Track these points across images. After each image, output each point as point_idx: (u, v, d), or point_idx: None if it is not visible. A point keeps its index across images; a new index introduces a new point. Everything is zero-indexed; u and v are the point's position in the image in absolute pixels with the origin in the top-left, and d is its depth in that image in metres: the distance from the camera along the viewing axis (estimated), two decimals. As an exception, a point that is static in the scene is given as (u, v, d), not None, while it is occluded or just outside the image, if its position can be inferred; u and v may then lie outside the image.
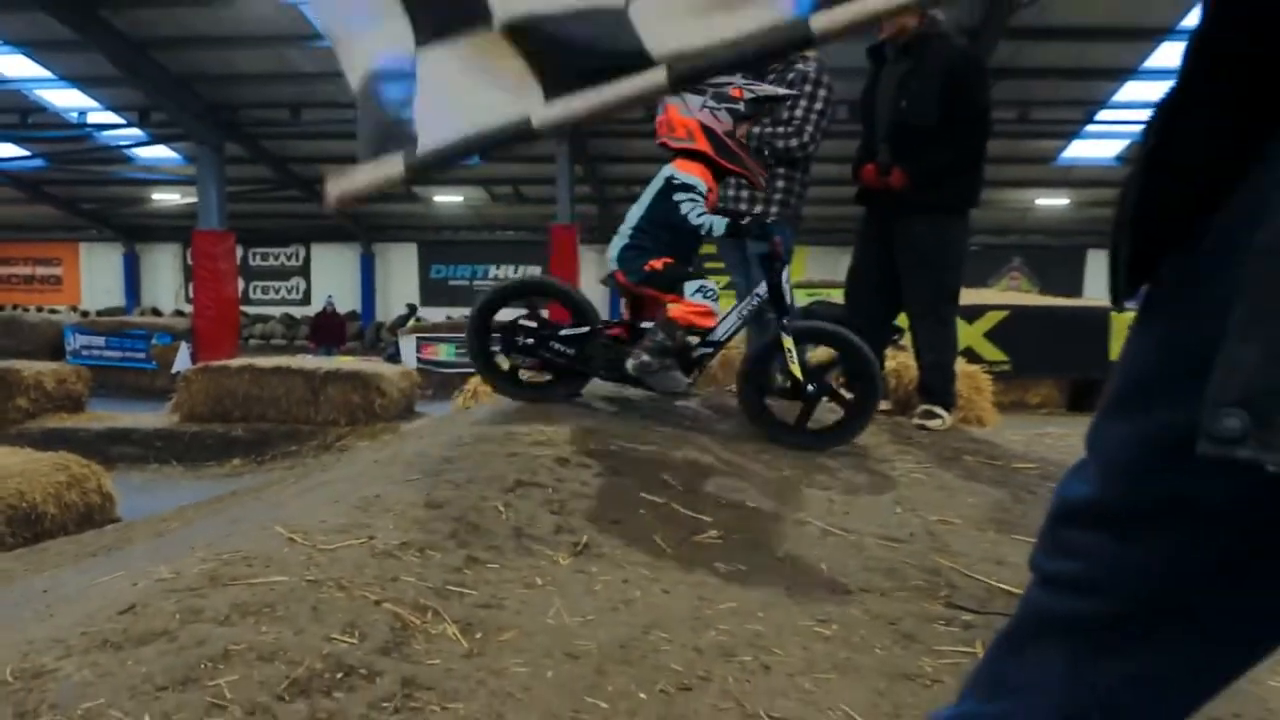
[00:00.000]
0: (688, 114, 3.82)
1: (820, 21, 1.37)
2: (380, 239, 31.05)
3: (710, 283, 3.77)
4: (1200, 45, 0.86)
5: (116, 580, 2.36)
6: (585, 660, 2.01)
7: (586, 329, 3.90)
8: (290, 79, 19.41)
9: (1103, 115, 20.00)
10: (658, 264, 3.79)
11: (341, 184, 1.59)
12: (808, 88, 4.56)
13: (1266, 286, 0.70)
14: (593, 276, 28.60)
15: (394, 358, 18.21)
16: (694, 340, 3.83)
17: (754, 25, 1.43)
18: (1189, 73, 0.87)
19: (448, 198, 28.63)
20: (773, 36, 1.42)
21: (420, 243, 31.21)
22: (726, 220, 3.78)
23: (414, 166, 1.56)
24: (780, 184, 4.67)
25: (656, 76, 1.46)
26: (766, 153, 4.55)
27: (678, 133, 3.85)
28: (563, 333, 3.90)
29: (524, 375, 4.08)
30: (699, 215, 3.76)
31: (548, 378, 4.05)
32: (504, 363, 4.04)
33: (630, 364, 3.73)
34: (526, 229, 28.67)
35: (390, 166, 1.56)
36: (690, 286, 3.72)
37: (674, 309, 3.71)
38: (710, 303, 3.72)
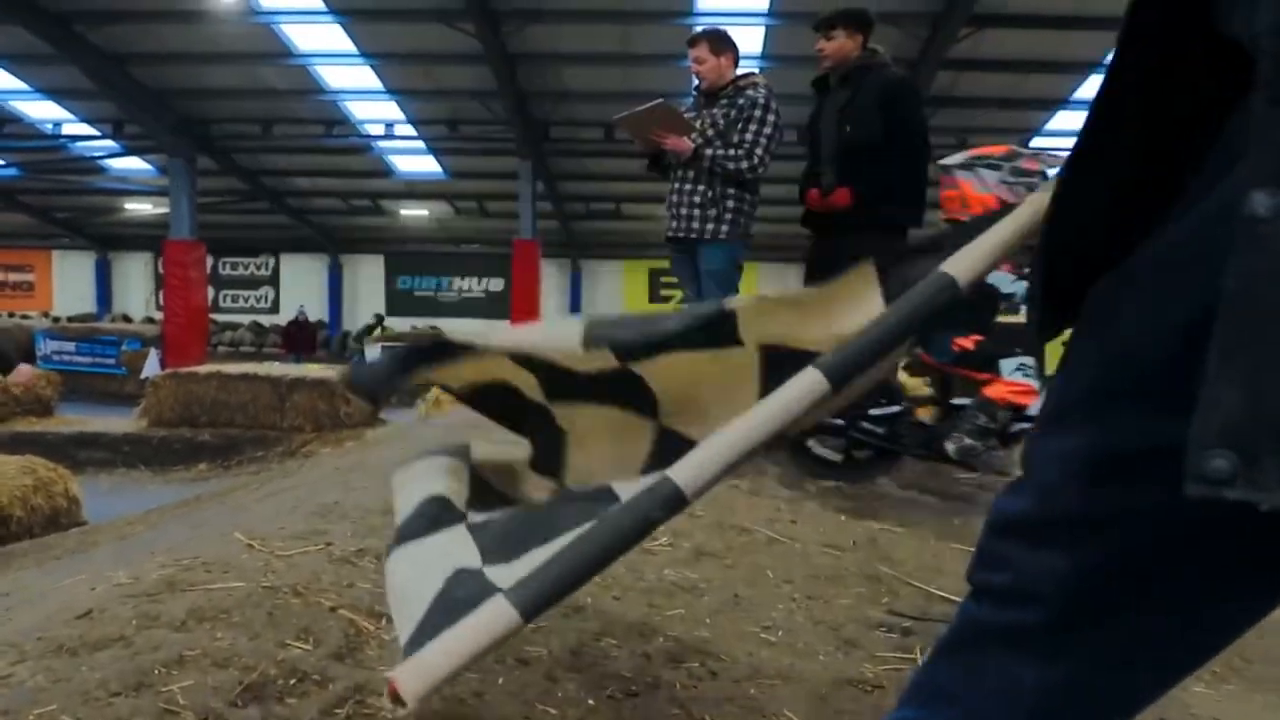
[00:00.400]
0: (984, 190, 3.67)
1: (957, 267, 1.28)
2: (348, 250, 30.98)
3: (1030, 360, 3.66)
4: (1103, 99, 0.89)
5: (76, 584, 2.34)
6: (536, 666, 2.01)
7: (897, 408, 3.81)
8: (261, 95, 19.52)
9: (1036, 143, 20.47)
10: (967, 343, 3.70)
11: (425, 676, 1.19)
12: (757, 113, 4.68)
13: (1236, 327, 0.70)
14: (554, 288, 28.78)
15: (360, 365, 18.11)
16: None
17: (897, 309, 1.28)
18: (1094, 122, 0.90)
19: (414, 211, 28.66)
20: (922, 303, 1.28)
21: (387, 254, 31.17)
22: None
23: (532, 608, 1.20)
24: (730, 204, 4.76)
25: (815, 383, 1.25)
26: (719, 174, 4.67)
27: (973, 209, 3.66)
28: (872, 412, 3.80)
29: (823, 453, 3.91)
30: (1013, 282, 3.55)
31: (862, 455, 3.91)
32: (814, 445, 3.89)
33: (951, 447, 3.67)
34: (490, 243, 28.66)
35: (495, 620, 1.20)
36: (1009, 364, 3.64)
37: (993, 390, 3.65)
38: (1031, 380, 3.63)
